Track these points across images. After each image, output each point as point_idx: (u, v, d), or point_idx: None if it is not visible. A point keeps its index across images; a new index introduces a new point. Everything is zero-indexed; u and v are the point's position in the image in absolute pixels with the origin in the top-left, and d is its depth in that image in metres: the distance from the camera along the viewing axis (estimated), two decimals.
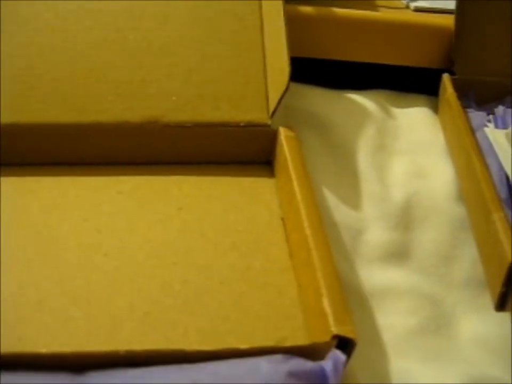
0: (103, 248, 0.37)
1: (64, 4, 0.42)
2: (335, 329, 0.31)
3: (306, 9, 0.46)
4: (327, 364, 0.29)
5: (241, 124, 0.41)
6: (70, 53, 0.41)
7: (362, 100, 0.48)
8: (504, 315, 0.38)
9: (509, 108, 0.45)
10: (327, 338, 0.31)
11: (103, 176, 0.40)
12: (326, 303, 0.32)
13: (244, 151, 0.42)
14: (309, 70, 0.43)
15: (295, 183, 0.38)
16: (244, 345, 0.30)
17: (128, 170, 0.41)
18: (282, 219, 0.39)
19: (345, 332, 0.31)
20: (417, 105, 0.49)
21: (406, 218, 0.42)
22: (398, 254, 0.40)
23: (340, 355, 0.29)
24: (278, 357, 0.29)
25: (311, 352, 0.30)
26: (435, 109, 0.48)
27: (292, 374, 0.29)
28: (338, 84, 0.48)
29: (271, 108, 0.41)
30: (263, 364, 0.29)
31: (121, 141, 0.41)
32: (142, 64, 0.41)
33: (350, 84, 0.48)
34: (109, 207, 0.39)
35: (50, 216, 0.38)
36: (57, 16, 0.42)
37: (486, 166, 0.39)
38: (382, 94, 0.49)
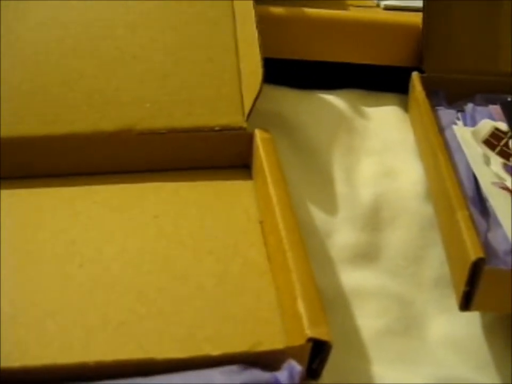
0: (78, 259, 0.36)
1: (35, 16, 0.42)
2: (309, 332, 0.30)
3: (277, 9, 0.46)
4: (282, 375, 0.29)
5: (217, 128, 0.40)
6: (42, 64, 0.41)
7: (332, 100, 0.47)
8: (474, 315, 0.37)
9: (478, 105, 0.45)
10: (302, 341, 0.30)
11: (78, 186, 0.40)
12: (300, 305, 0.31)
13: (221, 155, 0.41)
14: (280, 71, 0.43)
15: (270, 186, 0.37)
16: (216, 352, 0.30)
17: (103, 179, 0.40)
18: (261, 222, 0.38)
19: (320, 334, 0.30)
20: (388, 104, 0.48)
21: (374, 219, 0.41)
22: (367, 255, 0.40)
23: (295, 365, 0.29)
24: (233, 367, 0.29)
25: (284, 356, 0.29)
26: (405, 107, 0.48)
27: None
28: (309, 84, 0.48)
29: (246, 111, 0.41)
30: (216, 376, 0.28)
31: (96, 151, 0.40)
32: (114, 73, 0.41)
33: (320, 84, 0.48)
34: (84, 217, 0.38)
35: (25, 228, 0.37)
36: (28, 28, 0.42)
37: (452, 164, 0.39)
38: (352, 94, 0.48)
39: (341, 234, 0.40)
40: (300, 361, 0.30)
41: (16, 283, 0.35)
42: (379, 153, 0.45)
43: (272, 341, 0.32)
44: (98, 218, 0.38)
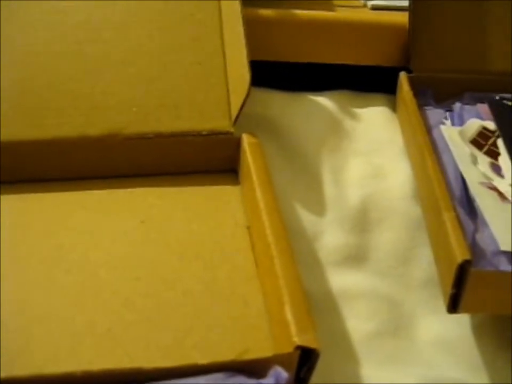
0: (65, 264, 0.36)
1: (21, 18, 0.42)
2: (297, 339, 0.30)
3: (264, 11, 0.46)
4: (268, 382, 0.29)
5: (204, 133, 0.40)
6: (28, 67, 0.40)
7: (319, 101, 0.47)
8: (463, 316, 0.37)
9: (466, 104, 0.45)
10: (290, 348, 0.30)
11: (65, 192, 0.40)
12: (288, 311, 0.31)
13: (208, 159, 0.41)
14: (268, 73, 0.42)
15: (258, 191, 0.37)
16: (205, 360, 0.30)
17: (91, 184, 0.40)
18: (248, 227, 0.38)
19: (308, 341, 0.30)
20: (376, 105, 0.48)
21: (362, 220, 0.41)
22: (356, 257, 0.40)
23: (282, 372, 0.29)
24: (219, 375, 0.29)
25: (272, 364, 0.29)
26: (394, 107, 0.48)
27: None
28: (297, 86, 0.48)
29: (234, 115, 0.40)
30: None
31: (82, 155, 0.40)
32: (101, 76, 0.41)
33: (309, 86, 0.48)
34: (71, 222, 0.38)
35: (11, 232, 0.37)
36: (15, 30, 0.41)
37: (439, 164, 0.39)
38: (340, 95, 0.48)
39: (329, 236, 0.40)
40: (287, 369, 0.30)
41: (1, 288, 0.34)
42: (367, 154, 0.45)
43: (259, 347, 0.32)
44: (86, 223, 0.38)
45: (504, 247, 0.34)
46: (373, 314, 0.38)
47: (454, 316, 0.37)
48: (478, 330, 0.37)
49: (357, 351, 0.36)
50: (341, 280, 0.39)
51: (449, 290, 0.33)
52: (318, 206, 0.42)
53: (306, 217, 0.41)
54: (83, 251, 0.37)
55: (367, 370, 0.35)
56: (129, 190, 0.40)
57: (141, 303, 0.34)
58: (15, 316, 0.33)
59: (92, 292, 0.35)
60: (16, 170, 0.39)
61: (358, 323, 0.37)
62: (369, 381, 0.34)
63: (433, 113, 0.45)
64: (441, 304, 0.37)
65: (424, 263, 0.40)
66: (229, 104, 0.41)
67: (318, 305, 0.37)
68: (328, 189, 0.42)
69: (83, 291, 0.35)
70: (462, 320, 0.38)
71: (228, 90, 0.41)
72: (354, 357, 0.36)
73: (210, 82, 0.41)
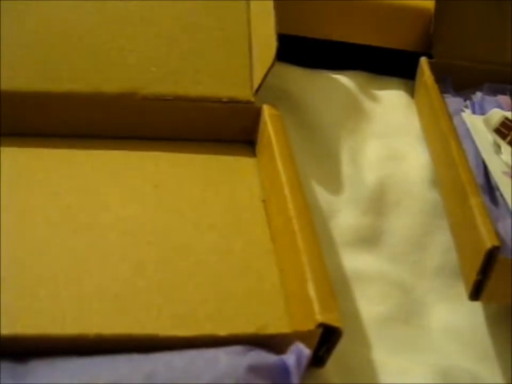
0: (73, 225, 0.34)
1: None
2: (320, 317, 0.29)
3: None
4: (289, 359, 0.27)
5: (224, 100, 0.39)
6: (44, 16, 0.39)
7: (338, 80, 0.46)
8: (476, 305, 0.37)
9: (486, 94, 0.44)
10: (311, 326, 0.29)
11: (76, 149, 0.38)
12: (311, 288, 0.30)
13: (225, 128, 0.40)
14: (287, 48, 0.41)
15: (279, 164, 0.36)
16: (223, 332, 0.28)
17: (103, 143, 0.38)
18: (263, 201, 0.37)
19: (331, 320, 0.29)
20: (393, 88, 0.48)
21: (378, 202, 0.40)
22: (369, 239, 0.39)
23: (303, 349, 0.27)
24: (238, 348, 0.27)
25: (292, 340, 0.28)
26: (410, 92, 0.47)
27: (251, 368, 0.27)
28: (315, 63, 0.47)
29: (256, 84, 0.39)
30: (221, 356, 0.27)
31: (96, 113, 0.38)
32: (121, 32, 0.39)
33: (327, 64, 0.47)
34: (80, 181, 0.36)
35: (19, 189, 0.35)
36: None
37: (463, 151, 0.38)
38: (358, 75, 0.47)
39: (344, 216, 0.39)
40: (307, 347, 0.28)
41: (7, 247, 0.32)
42: (385, 136, 0.44)
43: (276, 324, 0.31)
44: (96, 184, 0.36)
45: None
46: (384, 298, 0.37)
47: (466, 305, 0.36)
48: (490, 320, 0.37)
49: (368, 335, 0.35)
50: (353, 262, 0.38)
51: (473, 276, 0.32)
52: (334, 185, 0.41)
53: (322, 195, 0.40)
54: (92, 213, 0.35)
55: (379, 355, 0.34)
56: (142, 153, 0.38)
57: (152, 269, 0.33)
58: (19, 274, 0.32)
59: (101, 255, 0.33)
60: (26, 122, 0.38)
61: (369, 306, 0.36)
62: (381, 365, 0.34)
63: (452, 101, 0.44)
64: (454, 293, 0.37)
65: (438, 250, 0.39)
66: (251, 73, 0.39)
67: None
68: (345, 169, 0.41)
69: (91, 254, 0.33)
70: (474, 310, 0.37)
71: (250, 59, 0.40)
72: (366, 341, 0.35)
73: (233, 49, 0.40)
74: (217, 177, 0.38)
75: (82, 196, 0.36)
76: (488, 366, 0.35)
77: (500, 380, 0.35)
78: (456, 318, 0.37)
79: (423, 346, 0.35)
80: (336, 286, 0.36)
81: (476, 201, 0.34)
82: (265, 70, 0.39)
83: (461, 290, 0.35)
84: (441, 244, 0.39)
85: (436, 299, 0.37)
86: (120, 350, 0.27)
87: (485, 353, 0.35)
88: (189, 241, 0.34)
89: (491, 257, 0.32)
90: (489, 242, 0.32)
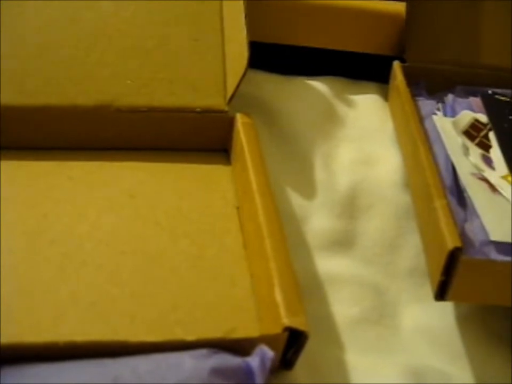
0: (49, 235, 0.35)
1: None
2: (286, 321, 0.30)
3: None
4: (253, 360, 0.28)
5: (198, 110, 0.40)
6: (19, 30, 0.39)
7: (312, 86, 0.47)
8: (448, 306, 0.37)
9: (458, 96, 0.45)
10: (278, 330, 0.30)
11: (52, 161, 0.39)
12: (278, 293, 0.31)
13: (200, 137, 0.40)
14: (261, 55, 0.42)
15: (250, 171, 0.37)
16: (190, 337, 0.29)
17: (79, 155, 0.39)
18: (237, 208, 0.38)
19: (297, 323, 0.30)
20: (367, 93, 0.48)
21: (351, 206, 0.41)
22: (343, 242, 0.40)
23: (267, 351, 0.28)
24: (203, 351, 0.28)
25: (259, 344, 0.29)
26: (385, 96, 0.48)
27: (215, 371, 0.27)
28: (289, 70, 0.47)
29: (229, 94, 0.40)
30: (186, 359, 0.27)
31: (72, 125, 0.39)
32: (96, 45, 0.40)
33: (302, 70, 0.48)
34: (57, 192, 0.37)
35: None
36: None
37: (431, 154, 0.39)
38: (332, 81, 0.48)
39: (317, 220, 0.40)
40: (274, 350, 0.29)
41: None
42: (358, 140, 0.44)
43: (245, 328, 0.32)
44: (72, 194, 0.37)
45: (495, 237, 0.34)
46: (357, 300, 0.37)
47: (438, 306, 0.37)
48: (462, 321, 0.37)
49: (341, 336, 0.36)
50: (327, 265, 0.39)
51: (437, 277, 0.33)
52: (307, 190, 0.41)
53: (295, 200, 0.41)
54: (68, 223, 0.36)
55: (350, 356, 0.35)
56: (118, 163, 0.39)
57: (126, 278, 0.34)
58: None
59: (76, 264, 0.34)
60: (1, 136, 0.38)
61: (342, 309, 0.37)
62: (352, 366, 0.34)
63: (425, 104, 0.45)
64: (426, 293, 0.37)
65: (410, 252, 0.40)
66: (224, 82, 0.40)
67: (303, 288, 0.36)
68: (318, 174, 0.42)
69: (67, 263, 0.34)
70: (446, 310, 0.38)
71: (224, 69, 0.40)
72: (337, 342, 0.36)
73: (206, 59, 0.41)
74: (193, 185, 0.39)
75: (59, 206, 0.37)
76: (459, 366, 0.36)
77: (470, 380, 0.35)
78: (427, 318, 0.37)
79: (395, 347, 0.36)
80: (309, 289, 0.37)
81: (441, 204, 0.35)
82: (238, 79, 0.40)
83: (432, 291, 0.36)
84: (414, 246, 0.40)
85: (408, 300, 0.38)
86: (91, 356, 0.28)
87: (456, 352, 0.36)
88: (163, 249, 0.35)
89: (453, 258, 0.32)
90: (451, 243, 0.32)
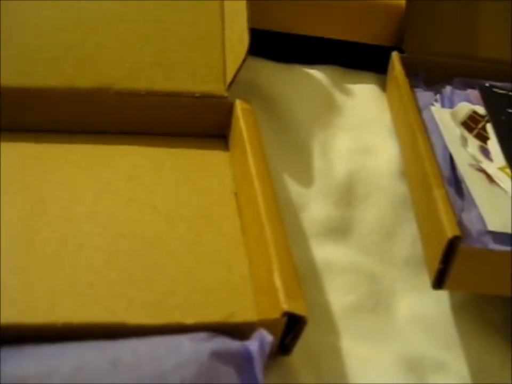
0: (46, 218, 0.35)
1: None
2: (285, 306, 0.30)
3: None
4: (252, 345, 0.28)
5: (197, 95, 0.39)
6: (20, 12, 0.39)
7: (311, 74, 0.47)
8: (443, 295, 0.38)
9: (456, 88, 0.45)
10: (277, 315, 0.30)
11: (49, 143, 0.38)
12: (277, 278, 0.31)
13: (199, 123, 0.40)
14: (260, 43, 0.42)
15: (250, 157, 0.37)
16: (189, 320, 0.29)
17: (77, 138, 0.39)
18: (235, 193, 0.38)
19: (296, 308, 0.30)
20: (365, 82, 0.48)
21: (348, 194, 0.41)
22: (339, 230, 0.40)
23: (266, 335, 0.28)
24: (202, 335, 0.28)
25: (258, 328, 0.29)
26: (383, 86, 0.48)
27: (214, 354, 0.27)
28: (288, 57, 0.47)
29: (228, 79, 0.40)
30: (185, 342, 0.27)
31: (70, 108, 0.39)
32: (95, 29, 0.39)
33: (301, 59, 0.47)
34: (54, 175, 0.37)
35: None
36: None
37: (430, 144, 0.39)
38: (332, 70, 0.48)
39: (314, 208, 0.40)
40: (273, 335, 0.29)
41: None
42: (356, 129, 0.44)
43: (244, 313, 0.32)
44: (69, 178, 0.37)
45: (492, 227, 0.34)
46: (353, 288, 0.38)
47: (434, 294, 0.37)
48: (458, 309, 0.38)
49: (337, 324, 0.36)
50: (323, 253, 0.39)
51: (435, 266, 0.33)
52: (305, 178, 0.41)
53: (292, 187, 0.41)
54: (65, 205, 0.36)
55: (346, 343, 0.35)
56: (115, 146, 0.39)
57: (123, 261, 0.34)
58: None
59: (74, 246, 0.34)
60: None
61: (338, 296, 0.37)
62: (347, 354, 0.34)
63: (423, 95, 0.45)
64: (422, 282, 0.37)
65: (406, 240, 0.40)
66: (224, 68, 0.40)
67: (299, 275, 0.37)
68: (316, 161, 0.42)
69: (64, 245, 0.34)
70: (442, 299, 0.38)
71: (224, 54, 0.40)
72: (333, 330, 0.36)
73: (206, 44, 0.40)
74: (191, 171, 0.39)
75: (56, 189, 0.36)
76: (454, 354, 0.36)
77: (466, 368, 0.35)
78: (423, 306, 0.38)
79: (391, 334, 0.36)
80: (306, 276, 0.37)
81: (440, 193, 0.35)
82: (238, 65, 0.39)
83: (428, 280, 0.36)
84: (410, 234, 0.40)
85: (404, 288, 0.38)
86: (89, 338, 0.28)
87: (452, 341, 0.36)
88: (161, 233, 0.35)
89: (452, 246, 0.32)
90: (450, 232, 0.32)
